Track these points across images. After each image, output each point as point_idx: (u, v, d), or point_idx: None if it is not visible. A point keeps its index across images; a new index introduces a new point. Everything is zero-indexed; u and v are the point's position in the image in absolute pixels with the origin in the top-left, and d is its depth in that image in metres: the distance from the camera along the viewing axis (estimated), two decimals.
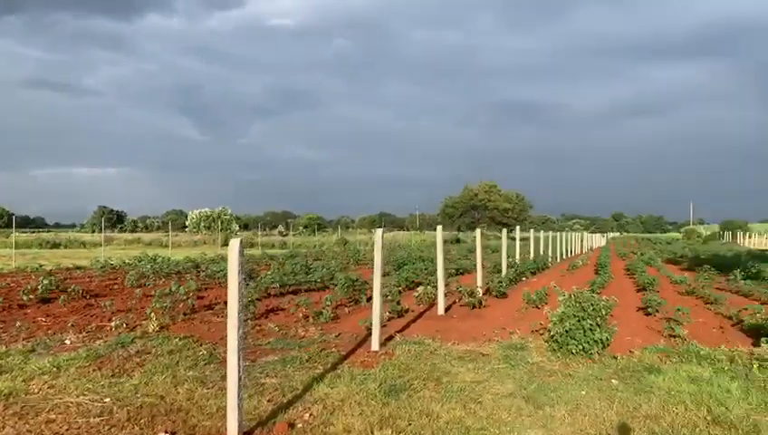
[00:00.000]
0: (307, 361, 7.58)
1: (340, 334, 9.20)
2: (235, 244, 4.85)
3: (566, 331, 7.67)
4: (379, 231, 8.21)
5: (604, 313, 7.77)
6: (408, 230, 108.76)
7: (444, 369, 7.24)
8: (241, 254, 4.89)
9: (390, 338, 8.75)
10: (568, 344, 7.64)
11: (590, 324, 7.59)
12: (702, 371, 7.13)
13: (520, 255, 25.31)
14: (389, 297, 11.40)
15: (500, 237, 18.96)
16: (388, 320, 10.20)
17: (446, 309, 11.28)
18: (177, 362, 7.50)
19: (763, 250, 47.28)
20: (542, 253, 28.21)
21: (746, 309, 10.10)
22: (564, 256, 34.36)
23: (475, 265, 22.15)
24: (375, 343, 8.10)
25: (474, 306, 11.55)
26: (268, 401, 6.03)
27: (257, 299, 11.81)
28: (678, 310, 9.73)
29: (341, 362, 7.54)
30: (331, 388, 6.41)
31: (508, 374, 7.03)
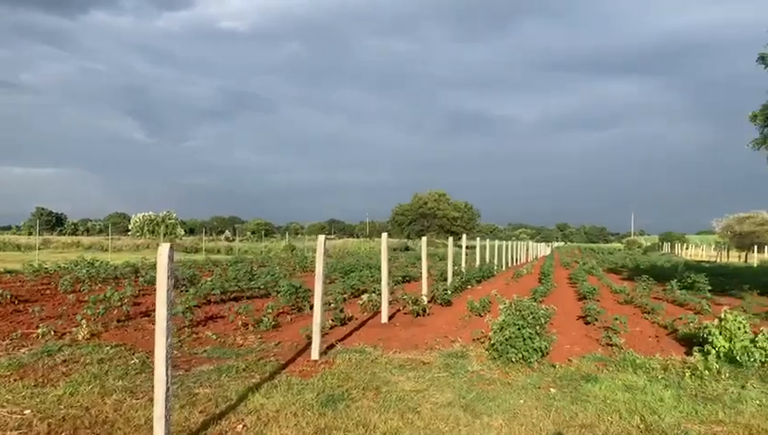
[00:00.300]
0: (244, 370, 7.37)
1: (279, 343, 9.01)
2: (163, 248, 4.65)
3: (506, 339, 7.69)
4: (321, 237, 8.07)
5: (543, 321, 7.84)
6: (358, 237, 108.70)
7: (384, 378, 7.15)
8: (170, 259, 4.69)
9: (331, 347, 8.61)
10: (508, 353, 7.67)
11: (530, 333, 7.64)
12: (637, 379, 7.26)
13: (467, 263, 25.49)
14: (333, 305, 11.25)
15: (448, 245, 19.07)
16: (331, 328, 10.06)
17: (390, 317, 11.21)
18: (107, 371, 7.18)
19: (699, 261, 49.16)
20: (488, 261, 28.51)
21: (681, 318, 10.39)
22: (510, 265, 34.86)
23: (422, 273, 22.28)
24: (315, 352, 7.95)
25: (418, 314, 11.51)
26: (200, 411, 5.82)
27: (196, 306, 11.47)
28: (616, 319, 9.93)
29: (279, 371, 7.37)
30: (267, 398, 6.24)
31: (448, 383, 6.99)
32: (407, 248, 66.00)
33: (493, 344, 7.86)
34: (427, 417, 5.82)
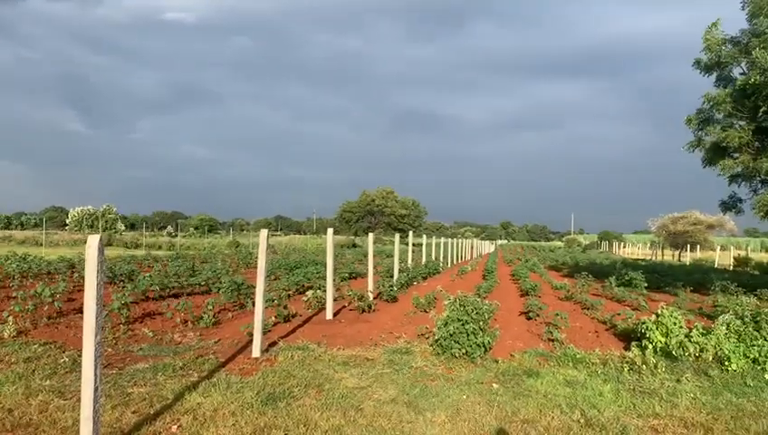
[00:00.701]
0: (181, 368, 7.12)
1: (220, 340, 8.76)
2: (93, 240, 4.40)
3: (450, 334, 7.68)
4: (264, 232, 7.87)
5: (487, 317, 7.87)
6: (305, 234, 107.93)
7: (327, 375, 7.03)
8: (100, 251, 4.45)
9: (274, 344, 8.42)
10: (451, 348, 7.66)
11: (473, 328, 7.65)
12: (577, 374, 7.36)
13: (413, 260, 25.64)
14: (276, 302, 11.04)
15: (395, 242, 19.06)
16: (274, 325, 9.85)
17: (335, 314, 11.08)
18: (34, 370, 6.81)
19: (635, 259, 50.86)
20: (434, 258, 28.71)
21: (619, 314, 10.65)
22: (456, 262, 35.21)
23: (368, 270, 22.20)
24: (256, 350, 7.75)
25: (363, 311, 11.42)
26: (133, 412, 5.56)
27: (133, 302, 11.06)
28: (557, 315, 10.09)
29: (219, 369, 7.14)
30: (205, 397, 6.03)
31: (392, 379, 6.93)
32: (354, 245, 65.95)
33: (437, 340, 7.84)
34: (370, 414, 5.73)
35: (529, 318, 11.34)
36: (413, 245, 27.73)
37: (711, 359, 7.60)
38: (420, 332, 9.11)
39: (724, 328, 7.84)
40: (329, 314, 10.70)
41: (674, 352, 7.75)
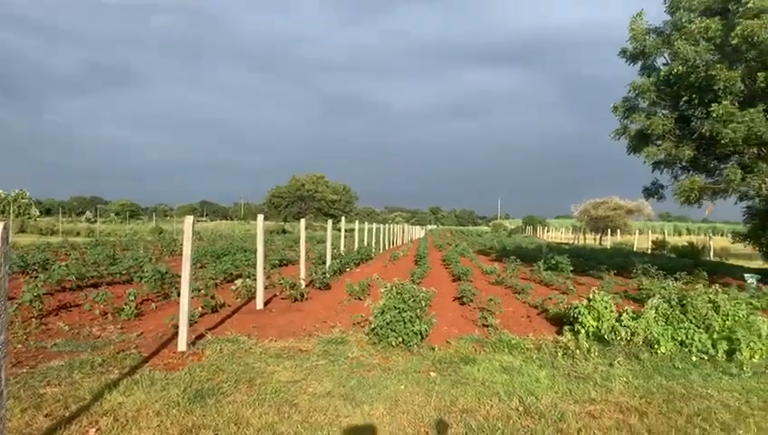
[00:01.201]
0: (100, 365, 6.62)
1: (142, 334, 8.25)
2: None
3: (387, 323, 7.50)
4: (189, 218, 7.42)
5: (424, 304, 7.73)
6: (232, 220, 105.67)
7: (259, 369, 6.71)
8: (5, 242, 3.95)
9: (201, 336, 7.99)
10: (388, 337, 7.49)
11: (411, 316, 7.50)
12: (513, 360, 7.35)
13: (345, 246, 25.40)
14: (203, 291, 10.55)
15: (326, 228, 18.73)
16: (201, 316, 9.39)
17: (266, 303, 10.71)
18: None
19: (559, 243, 52.53)
20: (366, 244, 28.57)
21: (550, 299, 10.80)
22: (387, 247, 35.21)
23: (300, 257, 21.76)
24: (182, 343, 7.32)
25: (295, 299, 11.09)
26: (46, 415, 5.09)
27: (47, 294, 10.32)
28: (491, 300, 10.10)
29: (142, 365, 6.69)
30: (127, 396, 5.60)
31: (327, 371, 6.68)
32: (284, 231, 65.02)
33: (373, 329, 7.64)
34: (305, 409, 5.47)
35: (463, 303, 11.34)
36: (345, 230, 27.49)
37: (641, 342, 7.76)
38: (356, 320, 8.90)
39: (652, 312, 8.02)
40: (259, 304, 10.31)
41: (606, 337, 7.87)
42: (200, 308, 9.62)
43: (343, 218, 34.09)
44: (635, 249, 40.18)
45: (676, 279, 15.96)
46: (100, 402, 5.44)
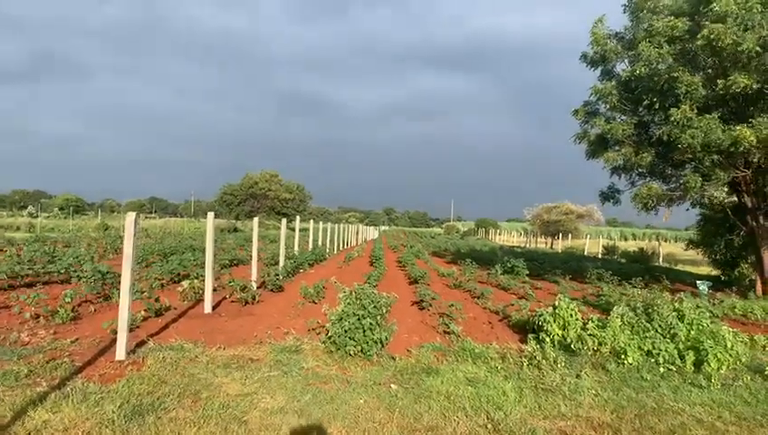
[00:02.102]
0: (26, 376, 5.95)
1: (78, 340, 7.54)
2: None
3: (345, 331, 7.04)
4: (132, 215, 6.79)
5: (385, 310, 7.31)
6: (182, 217, 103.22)
7: (205, 380, 6.15)
8: None
9: (142, 343, 7.35)
10: (346, 345, 7.02)
11: (371, 324, 7.05)
12: (477, 370, 6.98)
13: (299, 245, 24.81)
14: (146, 293, 9.85)
15: (279, 227, 18.14)
16: (144, 320, 8.73)
17: (215, 306, 10.09)
18: None
19: (511, 246, 52.92)
20: (320, 244, 27.99)
21: (512, 305, 10.50)
22: (342, 248, 34.67)
23: (252, 257, 21.04)
24: (121, 351, 6.69)
25: (246, 302, 10.50)
26: None
27: None
28: (452, 305, 9.74)
29: (74, 376, 6.04)
30: (54, 413, 4.99)
31: (280, 384, 6.17)
32: (235, 230, 63.56)
33: (330, 337, 7.16)
34: (256, 428, 4.97)
35: (422, 308, 10.95)
36: (299, 230, 26.84)
37: (608, 353, 7.50)
38: (311, 326, 8.38)
39: (618, 321, 7.79)
40: (207, 307, 9.68)
41: (573, 346, 7.59)
42: (143, 312, 8.95)
43: (298, 218, 33.39)
44: (586, 253, 40.74)
45: (631, 285, 16.04)
46: (22, 421, 4.83)
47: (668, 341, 7.53)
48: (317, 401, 5.69)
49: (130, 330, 7.30)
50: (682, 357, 7.33)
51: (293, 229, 27.96)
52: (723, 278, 18.65)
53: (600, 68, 15.14)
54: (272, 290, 12.43)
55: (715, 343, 7.36)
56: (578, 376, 6.89)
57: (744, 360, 7.44)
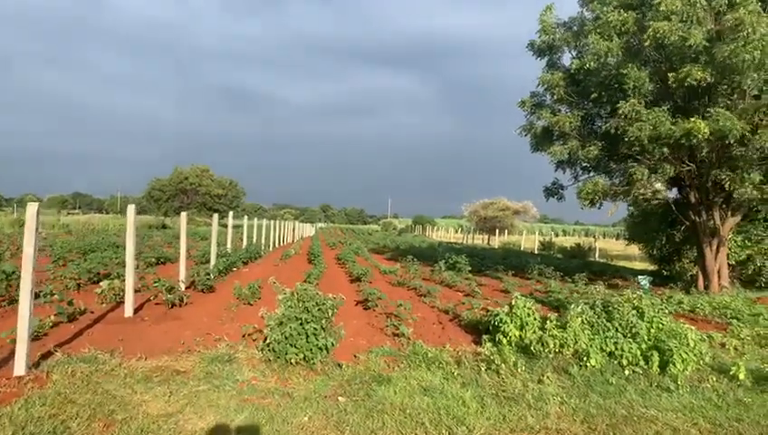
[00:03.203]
0: None
1: None
2: None
3: (286, 337, 6.26)
4: (33, 206, 5.79)
5: (331, 313, 6.56)
6: (107, 213, 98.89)
7: (121, 398, 5.25)
8: None
9: (49, 355, 6.33)
10: (287, 353, 6.25)
11: (315, 328, 6.31)
12: (432, 377, 6.35)
13: (232, 242, 23.71)
14: (57, 296, 8.73)
15: (211, 224, 17.05)
16: (54, 327, 7.65)
17: (138, 309, 9.08)
18: None
19: (449, 242, 52.97)
20: (255, 241, 26.90)
21: (463, 304, 9.93)
22: (277, 245, 33.57)
23: (180, 254, 19.80)
24: (20, 365, 5.68)
25: (173, 305, 9.53)
26: None
27: None
28: (400, 305, 9.09)
29: None
30: None
31: (211, 400, 5.34)
32: (164, 226, 61.06)
33: (268, 343, 6.37)
34: None
35: (367, 308, 10.26)
36: (232, 226, 25.66)
37: (570, 355, 7.02)
38: (246, 331, 7.52)
39: (579, 320, 7.32)
40: (128, 311, 8.67)
41: (532, 348, 7.05)
42: (53, 317, 7.86)
43: (231, 214, 32.03)
44: (522, 249, 41.09)
45: (574, 281, 15.88)
46: None
47: (630, 340, 7.11)
48: (254, 421, 4.90)
49: (36, 338, 6.33)
50: (646, 358, 6.92)
51: (226, 226, 26.69)
52: (664, 274, 18.81)
53: (546, 58, 14.82)
54: (202, 291, 11.46)
55: (678, 342, 7.00)
56: (540, 381, 6.36)
57: (707, 359, 7.11)
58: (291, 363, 6.28)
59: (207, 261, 15.77)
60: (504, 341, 7.32)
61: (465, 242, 55.07)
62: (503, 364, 6.62)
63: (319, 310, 6.38)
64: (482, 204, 57.10)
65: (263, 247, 26.18)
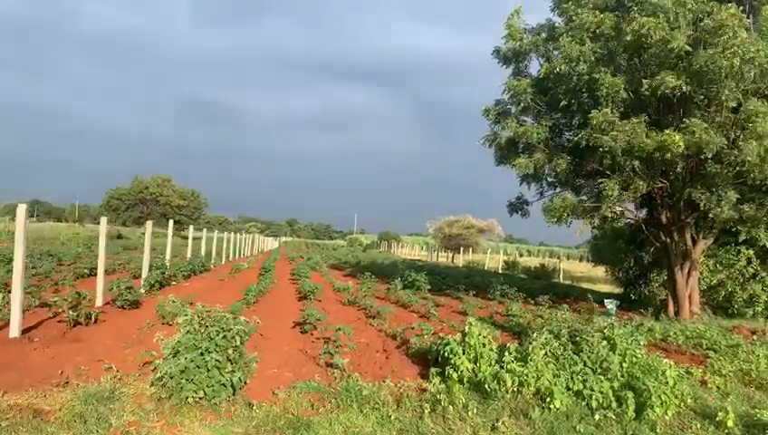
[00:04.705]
0: None
1: None
2: None
3: (182, 370, 5.03)
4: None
5: (240, 341, 5.35)
6: (67, 222, 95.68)
7: None
8: None
9: None
10: (182, 390, 5.01)
11: (218, 361, 5.09)
12: (364, 422, 5.18)
13: (192, 254, 22.43)
14: None
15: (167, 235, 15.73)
16: None
17: (30, 328, 7.72)
18: None
19: (413, 259, 51.89)
20: (214, 253, 25.50)
21: (412, 328, 8.76)
22: (235, 257, 32.09)
23: (125, 265, 18.34)
24: None
25: (76, 323, 8.19)
26: None
27: None
28: (339, 329, 7.87)
29: None
30: None
31: None
32: (119, 237, 58.72)
33: (160, 378, 5.12)
34: None
35: (304, 332, 9.03)
36: (192, 238, 24.28)
37: (531, 395, 5.90)
38: (146, 358, 6.24)
39: (541, 352, 6.23)
40: (14, 330, 7.26)
41: (487, 386, 5.92)
42: None
43: (191, 227, 30.51)
44: (486, 268, 40.23)
45: (538, 303, 14.92)
46: None
47: (601, 377, 6.06)
48: None
49: None
50: (619, 399, 5.85)
51: (186, 238, 25.25)
52: (632, 297, 17.93)
53: (512, 66, 13.89)
54: (122, 307, 10.12)
55: (655, 379, 5.97)
56: (494, 428, 5.25)
57: (689, 401, 6.09)
58: (188, 403, 5.05)
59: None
60: (455, 376, 6.19)
61: (429, 260, 54.08)
62: (450, 406, 5.49)
63: (223, 337, 5.17)
64: (447, 221, 56.22)
65: (213, 260, 24.79)
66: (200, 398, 5.07)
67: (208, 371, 5.05)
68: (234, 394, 5.28)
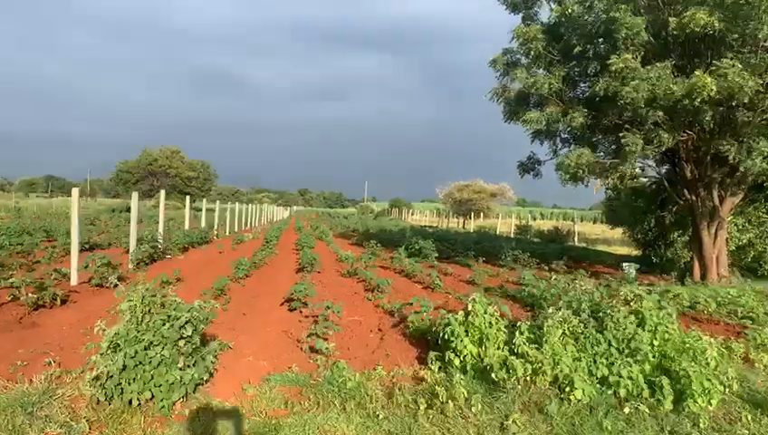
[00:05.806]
0: None
1: None
2: None
3: (121, 369, 4.17)
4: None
5: (190, 331, 4.45)
6: (80, 196, 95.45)
7: None
8: None
9: None
10: (124, 393, 4.16)
11: (166, 356, 4.22)
12: (346, 425, 4.31)
13: (206, 225, 21.81)
14: None
15: (180, 207, 14.92)
16: None
17: None
18: None
19: (423, 226, 50.98)
20: (216, 224, 24.80)
21: (411, 304, 7.83)
22: (244, 228, 31.38)
23: (120, 239, 17.59)
24: None
25: (39, 305, 7.38)
26: None
27: None
28: (328, 308, 6.96)
29: None
30: None
31: None
32: (128, 209, 58.37)
33: (97, 377, 4.26)
34: None
35: (292, 310, 8.15)
36: (198, 210, 23.56)
37: (548, 384, 4.98)
38: (96, 349, 5.38)
39: (558, 332, 5.29)
40: None
41: (495, 375, 5.00)
42: None
43: (188, 198, 29.67)
44: (498, 233, 39.24)
45: (550, 270, 14.00)
46: None
47: (629, 360, 5.13)
48: None
49: None
50: (652, 386, 4.94)
51: (199, 210, 24.51)
52: (653, 260, 16.86)
53: (521, 13, 12.68)
54: (98, 285, 9.31)
55: (693, 361, 5.04)
56: (503, 428, 4.36)
57: (735, 386, 5.15)
58: (132, 407, 4.19)
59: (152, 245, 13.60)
60: (456, 362, 5.28)
61: (440, 226, 53.14)
62: (450, 401, 4.60)
63: (170, 327, 4.28)
64: (456, 186, 55.00)
65: (216, 231, 24.03)
66: (147, 400, 4.22)
67: (154, 368, 4.18)
68: (193, 392, 4.42)
